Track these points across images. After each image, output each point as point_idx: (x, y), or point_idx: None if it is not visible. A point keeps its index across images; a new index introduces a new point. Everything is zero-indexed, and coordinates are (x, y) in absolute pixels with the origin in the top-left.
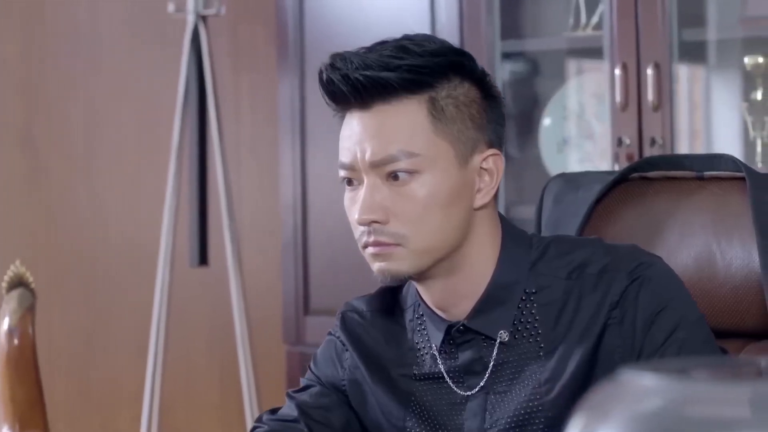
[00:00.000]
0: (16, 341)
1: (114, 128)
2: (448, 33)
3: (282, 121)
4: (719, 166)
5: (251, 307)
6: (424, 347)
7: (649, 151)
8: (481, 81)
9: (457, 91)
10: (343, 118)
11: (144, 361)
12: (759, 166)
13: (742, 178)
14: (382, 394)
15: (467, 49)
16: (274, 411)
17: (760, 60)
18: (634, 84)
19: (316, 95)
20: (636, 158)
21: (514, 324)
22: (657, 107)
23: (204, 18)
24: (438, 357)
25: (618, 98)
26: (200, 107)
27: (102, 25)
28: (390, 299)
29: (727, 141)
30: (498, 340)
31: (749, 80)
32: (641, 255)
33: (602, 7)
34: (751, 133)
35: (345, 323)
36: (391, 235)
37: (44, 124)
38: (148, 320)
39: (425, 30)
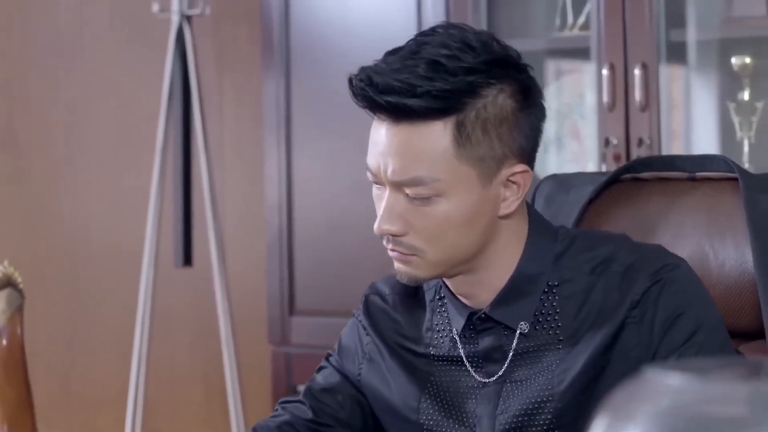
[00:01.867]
0: (4, 342)
1: (97, 128)
2: None
3: (267, 122)
4: (711, 167)
5: (236, 307)
6: (443, 329)
7: (636, 152)
8: (522, 90)
9: (488, 110)
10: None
11: (127, 362)
12: (746, 166)
13: (735, 179)
14: (399, 375)
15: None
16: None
17: (747, 60)
18: (621, 84)
19: (301, 95)
20: (623, 158)
21: (535, 315)
22: (644, 107)
23: (188, 18)
24: (458, 341)
25: (605, 98)
26: (184, 107)
27: (85, 25)
28: None
29: (713, 141)
30: (518, 331)
31: (736, 81)
32: (666, 256)
33: (589, 7)
34: (738, 133)
35: (368, 307)
36: (408, 247)
37: (27, 125)
38: (131, 321)
39: (411, 32)
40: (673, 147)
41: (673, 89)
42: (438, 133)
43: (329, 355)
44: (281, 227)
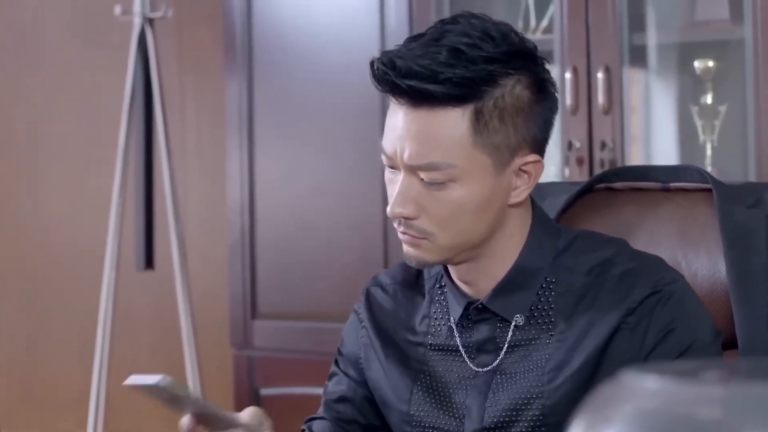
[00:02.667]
0: None
1: (59, 130)
2: (398, 35)
3: (229, 123)
4: (685, 178)
5: (198, 310)
6: (441, 318)
7: (599, 155)
8: (538, 81)
9: (505, 100)
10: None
11: (88, 364)
12: (709, 169)
13: (708, 190)
14: (393, 367)
15: None
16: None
17: (710, 64)
18: (584, 87)
19: (263, 97)
20: (586, 162)
21: (530, 309)
22: (607, 111)
23: (150, 21)
24: (455, 330)
25: (568, 102)
26: (146, 110)
27: (47, 28)
28: (414, 269)
29: (676, 145)
30: (513, 323)
31: (699, 84)
32: (666, 269)
33: (552, 10)
34: (701, 136)
35: (368, 298)
36: (419, 230)
37: None
38: (92, 324)
39: (374, 33)
40: (636, 150)
41: (637, 93)
42: (456, 120)
43: (336, 359)
44: (243, 229)
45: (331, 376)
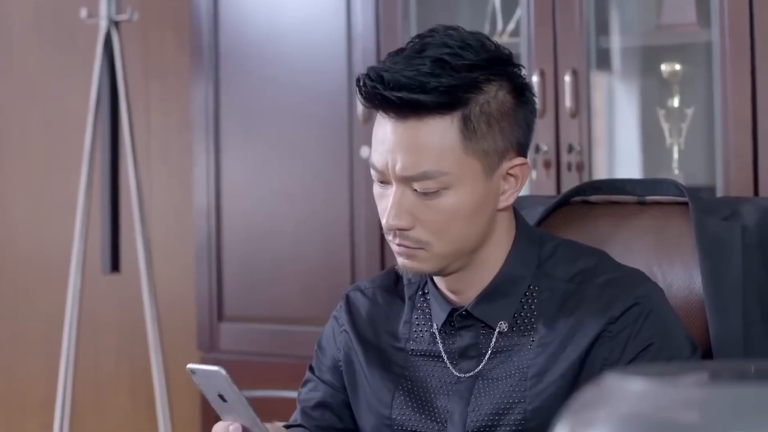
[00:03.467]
0: None
1: (24, 133)
2: (364, 39)
3: (196, 127)
4: (662, 191)
5: (164, 313)
6: (423, 324)
7: (566, 158)
8: (517, 86)
9: (490, 106)
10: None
11: (53, 368)
12: (676, 173)
13: (683, 203)
14: (375, 371)
15: (383, 55)
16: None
17: (677, 67)
18: (551, 91)
19: (230, 101)
20: (553, 165)
21: (514, 317)
22: (574, 114)
23: (117, 24)
24: (438, 336)
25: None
26: (112, 113)
27: (12, 30)
28: (394, 274)
29: (643, 147)
30: (497, 330)
31: (666, 87)
32: (647, 282)
33: (519, 13)
34: (668, 139)
35: (348, 303)
36: (415, 240)
37: None
38: (57, 327)
39: (341, 37)
40: (603, 154)
41: (604, 96)
42: (446, 128)
43: (311, 365)
44: (210, 233)
45: (306, 382)
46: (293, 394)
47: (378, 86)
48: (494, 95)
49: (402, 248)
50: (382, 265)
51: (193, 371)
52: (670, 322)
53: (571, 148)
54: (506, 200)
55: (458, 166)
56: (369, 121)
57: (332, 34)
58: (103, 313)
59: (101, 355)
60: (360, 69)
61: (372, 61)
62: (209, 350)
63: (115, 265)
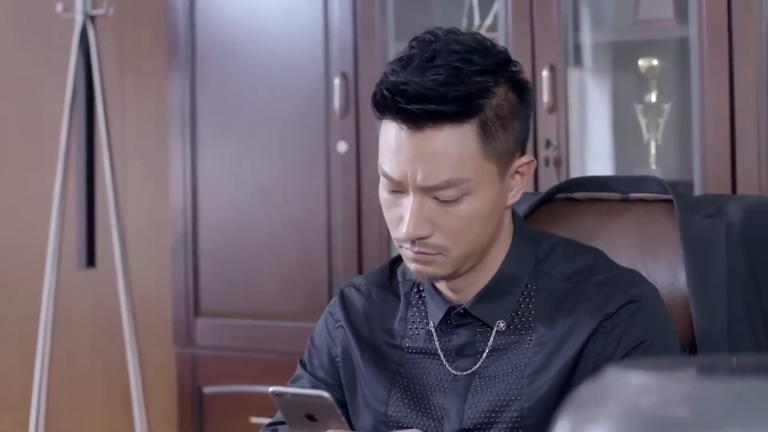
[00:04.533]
0: None
1: None
2: (342, 35)
3: (172, 123)
4: (645, 188)
5: (140, 309)
6: (419, 321)
7: (543, 153)
8: (518, 84)
9: (503, 108)
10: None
11: (28, 363)
12: (653, 168)
13: (667, 200)
14: (370, 368)
15: (360, 51)
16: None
17: (654, 62)
18: None
19: (206, 97)
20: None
21: (511, 315)
22: (552, 109)
23: (92, 18)
24: (434, 333)
25: None
26: (88, 108)
27: None
28: (388, 271)
29: (620, 143)
30: (495, 329)
31: (643, 82)
32: (643, 281)
33: (497, 8)
34: (645, 135)
35: (342, 299)
36: (434, 247)
37: None
38: (33, 322)
39: (318, 33)
40: (580, 149)
41: (582, 91)
42: (465, 135)
43: (302, 361)
44: (186, 228)
45: (296, 379)
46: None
47: (400, 99)
48: (504, 97)
49: (420, 255)
50: (360, 260)
51: (278, 394)
52: (663, 321)
53: (548, 144)
54: (513, 197)
55: (478, 172)
56: (346, 116)
57: (309, 30)
58: (79, 309)
59: (77, 351)
60: (337, 64)
61: (349, 57)
62: (185, 345)
63: (90, 261)
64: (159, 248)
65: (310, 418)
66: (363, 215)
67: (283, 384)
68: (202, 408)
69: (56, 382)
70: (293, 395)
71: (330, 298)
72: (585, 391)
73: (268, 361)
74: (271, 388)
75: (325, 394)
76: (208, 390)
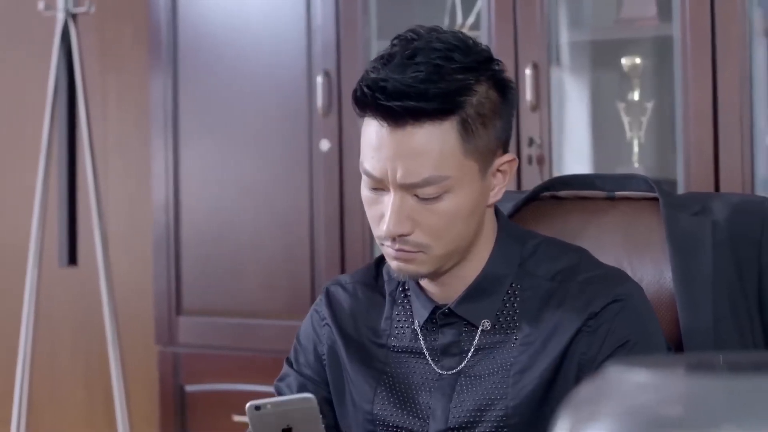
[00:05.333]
0: None
1: None
2: (324, 32)
3: (154, 121)
4: (631, 187)
5: (122, 307)
6: (404, 320)
7: (526, 151)
8: (500, 82)
9: (484, 106)
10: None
11: (8, 362)
12: (636, 166)
13: (652, 199)
14: (356, 367)
15: (343, 48)
16: None
17: (637, 61)
18: None
19: (189, 95)
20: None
21: (496, 315)
22: (535, 107)
23: (74, 16)
24: (419, 333)
25: None
26: (70, 105)
27: None
28: (374, 269)
29: (603, 141)
30: (480, 328)
31: (626, 81)
32: (628, 280)
33: (480, 6)
34: (628, 133)
35: (328, 297)
36: (415, 244)
37: None
38: (14, 321)
39: (300, 30)
40: (563, 147)
41: (565, 89)
42: (446, 132)
43: (289, 360)
44: (168, 226)
45: (283, 377)
46: (253, 387)
47: (380, 96)
48: (485, 94)
49: (401, 253)
50: (342, 258)
51: (256, 407)
52: (648, 320)
53: (531, 142)
54: (495, 196)
55: (458, 169)
56: (329, 114)
57: (292, 28)
58: (60, 307)
59: (58, 350)
60: (320, 62)
61: (332, 54)
62: (167, 344)
63: (72, 259)
64: (141, 246)
65: (287, 431)
66: (346, 213)
67: (269, 382)
68: (184, 406)
69: (38, 381)
70: (274, 405)
71: (313, 296)
72: (585, 389)
73: (250, 359)
74: (248, 403)
75: (309, 395)
76: (190, 388)
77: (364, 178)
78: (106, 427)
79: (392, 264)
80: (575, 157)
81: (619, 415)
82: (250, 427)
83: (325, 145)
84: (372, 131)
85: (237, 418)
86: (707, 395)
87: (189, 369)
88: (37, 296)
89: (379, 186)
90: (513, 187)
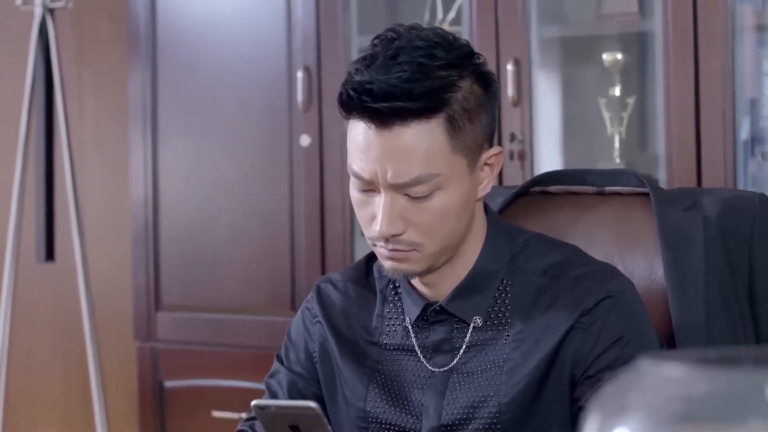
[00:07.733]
0: None
1: None
2: (304, 26)
3: (132, 116)
4: (621, 182)
5: (100, 303)
6: (396, 318)
7: (508, 147)
8: (482, 76)
9: (469, 101)
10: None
11: None
12: (617, 161)
13: (643, 194)
14: (348, 365)
15: (323, 44)
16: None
17: (618, 56)
18: None
19: (167, 89)
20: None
21: (488, 311)
22: (516, 103)
23: (52, 11)
24: (411, 330)
25: None
26: (47, 101)
27: None
28: (364, 267)
29: (584, 137)
30: (472, 325)
31: (607, 76)
32: (620, 276)
33: (460, 1)
34: (609, 129)
35: (319, 294)
36: (408, 243)
37: None
38: None
39: (280, 26)
40: (545, 143)
41: (546, 85)
42: (433, 130)
43: (279, 356)
44: (147, 222)
45: (274, 373)
46: (232, 383)
47: (366, 98)
48: (470, 89)
49: (394, 252)
50: (323, 254)
51: (261, 407)
52: (641, 316)
53: (513, 137)
54: (484, 189)
55: (448, 166)
56: (309, 110)
57: (272, 22)
58: (38, 303)
59: (35, 346)
60: (300, 57)
61: (312, 49)
62: (146, 339)
63: (49, 255)
64: (119, 242)
65: (294, 428)
66: (326, 209)
67: (249, 378)
68: (163, 402)
69: (14, 377)
70: (278, 407)
71: (293, 292)
72: (616, 383)
73: (229, 355)
74: (253, 402)
75: (313, 404)
76: (169, 384)
77: (352, 179)
78: (84, 424)
79: (386, 264)
80: (556, 152)
81: (649, 409)
82: (260, 423)
83: (305, 140)
84: (359, 133)
85: (216, 413)
86: (734, 389)
87: (168, 365)
88: (14, 292)
89: (369, 187)
90: (495, 182)
